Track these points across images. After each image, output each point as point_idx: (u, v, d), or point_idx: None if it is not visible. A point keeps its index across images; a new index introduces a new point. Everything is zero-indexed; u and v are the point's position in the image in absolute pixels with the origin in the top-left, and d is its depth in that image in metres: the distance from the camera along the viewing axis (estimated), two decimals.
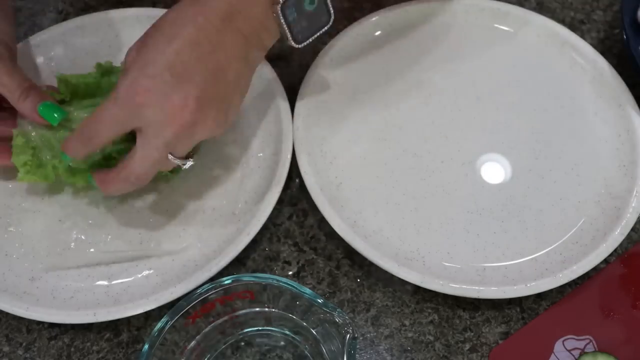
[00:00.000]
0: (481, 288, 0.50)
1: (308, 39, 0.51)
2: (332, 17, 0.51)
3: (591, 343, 0.51)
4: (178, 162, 0.49)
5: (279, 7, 0.47)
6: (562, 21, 0.66)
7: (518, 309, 0.53)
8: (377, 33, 0.64)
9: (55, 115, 0.51)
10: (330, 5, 0.50)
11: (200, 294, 0.43)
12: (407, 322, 0.53)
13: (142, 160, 0.48)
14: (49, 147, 0.53)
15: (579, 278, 0.52)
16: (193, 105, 0.45)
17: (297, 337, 0.48)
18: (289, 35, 0.49)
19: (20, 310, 0.50)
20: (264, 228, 0.54)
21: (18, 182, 0.54)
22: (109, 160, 0.53)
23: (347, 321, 0.41)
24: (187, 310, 0.42)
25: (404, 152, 0.58)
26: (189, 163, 0.50)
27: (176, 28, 0.45)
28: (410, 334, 0.52)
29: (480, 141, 0.59)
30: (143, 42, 0.47)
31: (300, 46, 0.50)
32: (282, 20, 0.48)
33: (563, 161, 0.58)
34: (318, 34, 0.51)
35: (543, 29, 0.63)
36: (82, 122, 0.48)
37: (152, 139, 0.46)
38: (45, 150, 0.53)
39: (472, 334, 0.52)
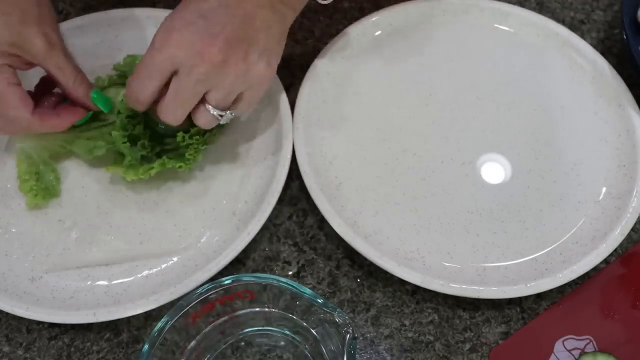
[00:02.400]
0: (481, 288, 0.50)
1: None
2: None
3: (591, 343, 0.51)
4: (215, 112, 0.50)
5: None
6: (562, 21, 0.66)
7: (518, 309, 0.53)
8: (377, 33, 0.64)
9: (107, 102, 0.53)
10: None
11: (200, 294, 0.43)
12: (407, 322, 0.53)
13: (174, 99, 0.49)
14: (49, 166, 0.56)
15: (579, 278, 0.52)
16: (221, 44, 0.47)
17: (297, 337, 0.48)
18: None
19: (20, 310, 0.50)
20: (264, 228, 0.54)
21: (27, 207, 0.56)
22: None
23: (347, 321, 0.41)
24: (187, 310, 0.42)
25: (404, 152, 0.58)
26: (227, 116, 0.51)
27: None
28: (410, 334, 0.52)
29: (480, 141, 0.59)
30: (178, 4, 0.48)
31: (327, 2, 0.54)
32: None
33: (563, 161, 0.58)
34: None
35: (543, 29, 0.63)
36: (127, 82, 0.50)
37: (184, 78, 0.48)
38: (47, 172, 0.55)
39: (472, 334, 0.52)
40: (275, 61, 0.51)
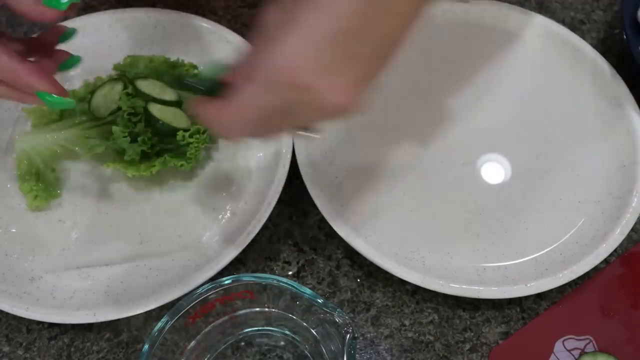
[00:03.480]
0: (481, 288, 0.50)
1: None
2: None
3: (591, 343, 0.51)
4: (304, 132, 0.44)
5: None
6: (562, 21, 0.66)
7: (518, 309, 0.53)
8: None
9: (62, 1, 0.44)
10: None
11: (200, 294, 0.43)
12: (407, 322, 0.53)
13: (252, 125, 0.39)
14: (49, 166, 0.56)
15: (579, 278, 0.52)
16: (353, 90, 0.36)
17: (297, 337, 0.48)
18: None
19: (20, 310, 0.50)
20: (264, 228, 0.54)
21: (28, 208, 0.56)
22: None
23: (347, 321, 0.41)
24: (187, 310, 0.42)
25: (404, 152, 0.58)
26: (311, 134, 0.45)
27: None
28: (410, 334, 0.52)
29: (480, 141, 0.59)
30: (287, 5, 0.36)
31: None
32: None
33: (563, 161, 0.58)
34: None
35: (543, 29, 0.63)
36: (225, 112, 0.39)
37: (290, 115, 0.38)
38: (48, 172, 0.55)
39: (472, 334, 0.52)
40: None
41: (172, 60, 0.59)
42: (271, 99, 0.36)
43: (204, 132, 0.55)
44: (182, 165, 0.54)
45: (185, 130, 0.54)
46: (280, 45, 0.35)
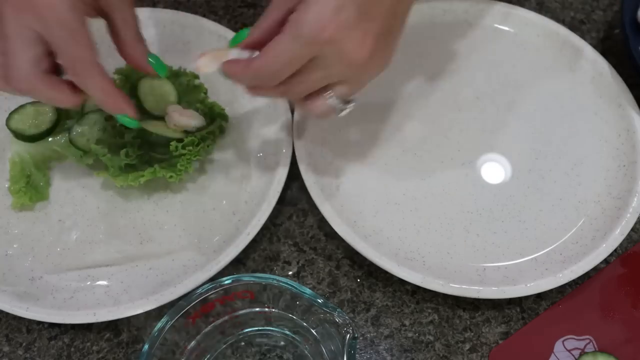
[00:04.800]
0: (481, 288, 0.50)
1: None
2: None
3: (591, 343, 0.51)
4: (338, 104, 0.46)
5: None
6: (562, 21, 0.66)
7: (518, 309, 0.53)
8: None
9: (164, 67, 0.49)
10: None
11: (200, 294, 0.43)
12: (407, 322, 0.53)
13: (297, 86, 0.44)
14: (41, 171, 0.56)
15: (579, 278, 0.52)
16: (371, 44, 0.42)
17: (297, 337, 0.48)
18: None
19: (20, 310, 0.50)
20: (264, 228, 0.54)
21: (12, 207, 0.56)
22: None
23: (347, 321, 0.41)
24: (187, 310, 0.42)
25: (404, 152, 0.58)
26: (349, 108, 0.47)
27: None
28: (410, 334, 0.52)
29: (480, 141, 0.59)
30: None
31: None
32: None
33: (563, 161, 0.58)
34: None
35: (543, 29, 0.63)
36: (254, 64, 0.43)
37: (318, 70, 0.43)
38: (38, 176, 0.55)
39: (472, 334, 0.52)
40: (396, 48, 0.47)
41: (174, 69, 0.59)
42: (298, 49, 0.41)
43: (197, 145, 0.54)
44: (170, 177, 0.53)
45: (179, 141, 0.54)
46: (308, 4, 0.40)
